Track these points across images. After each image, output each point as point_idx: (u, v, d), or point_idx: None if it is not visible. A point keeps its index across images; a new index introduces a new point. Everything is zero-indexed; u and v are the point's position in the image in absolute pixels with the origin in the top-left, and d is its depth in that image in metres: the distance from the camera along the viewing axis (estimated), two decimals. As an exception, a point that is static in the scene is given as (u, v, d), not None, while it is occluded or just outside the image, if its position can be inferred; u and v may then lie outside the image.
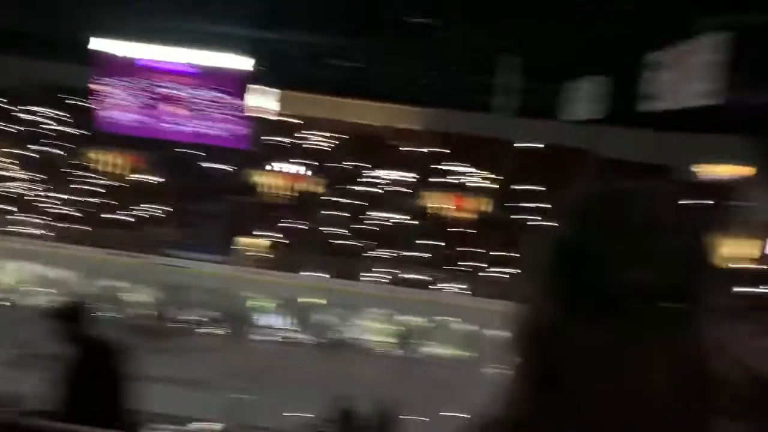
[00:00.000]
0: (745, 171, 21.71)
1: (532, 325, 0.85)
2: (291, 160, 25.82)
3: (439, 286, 22.90)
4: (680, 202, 0.86)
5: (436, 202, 25.37)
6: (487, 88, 21.56)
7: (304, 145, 26.25)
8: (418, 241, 23.98)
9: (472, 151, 24.94)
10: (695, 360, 0.80)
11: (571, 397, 0.80)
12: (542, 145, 24.61)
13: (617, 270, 0.78)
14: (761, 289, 19.12)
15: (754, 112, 15.48)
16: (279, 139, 26.08)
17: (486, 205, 24.98)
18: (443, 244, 24.01)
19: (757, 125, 17.65)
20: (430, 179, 25.52)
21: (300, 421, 12.58)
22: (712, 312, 0.82)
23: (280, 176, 25.80)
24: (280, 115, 25.58)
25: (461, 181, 25.48)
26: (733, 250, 21.82)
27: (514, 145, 24.86)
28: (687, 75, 11.41)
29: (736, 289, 19.40)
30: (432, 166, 25.68)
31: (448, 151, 25.59)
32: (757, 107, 14.47)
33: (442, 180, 25.51)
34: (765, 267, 20.21)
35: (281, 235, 24.20)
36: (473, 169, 25.39)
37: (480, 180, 25.34)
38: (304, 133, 26.28)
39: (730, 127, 18.80)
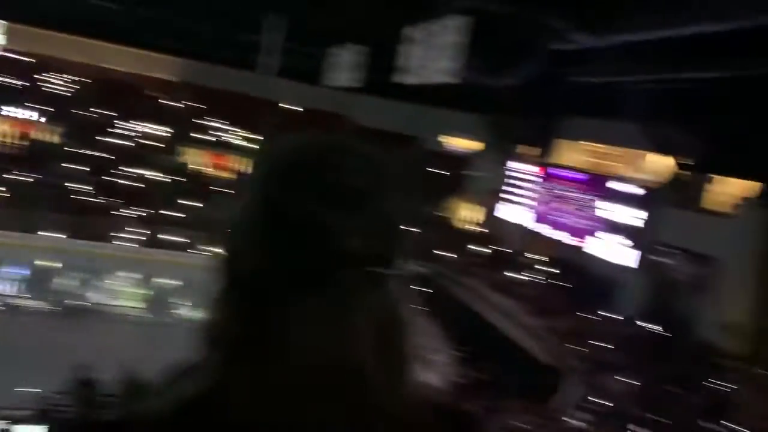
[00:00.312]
0: (477, 145, 24.41)
1: (236, 287, 0.82)
2: (24, 104, 22.59)
3: (196, 246, 22.12)
4: (392, 168, 0.87)
5: (193, 160, 24.32)
6: (251, 46, 21.01)
7: (41, 88, 23.12)
8: (173, 200, 22.81)
9: (232, 109, 24.31)
10: (396, 318, 0.84)
11: (274, 360, 0.78)
12: (302, 108, 24.91)
13: (327, 236, 0.77)
14: (485, 249, 21.87)
15: (486, 93, 17.40)
16: (8, 79, 22.61)
17: (246, 166, 24.65)
18: (201, 204, 23.18)
19: (488, 105, 19.92)
20: (188, 135, 24.34)
21: (31, 397, 11.36)
22: (409, 274, 0.86)
23: (9, 122, 22.43)
24: (10, 51, 22.12)
25: (221, 138, 24.74)
26: (464, 214, 24.60)
27: (276, 105, 24.78)
28: (433, 52, 12.34)
29: (465, 247, 21.91)
30: (190, 121, 24.49)
31: (208, 106, 24.60)
32: (489, 89, 16.25)
33: (201, 137, 24.49)
34: (487, 230, 23.01)
35: (8, 190, 21.15)
36: (233, 128, 24.80)
37: (240, 139, 24.86)
38: (42, 75, 23.14)
39: (467, 105, 20.93)
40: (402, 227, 0.85)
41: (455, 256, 21.30)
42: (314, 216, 0.77)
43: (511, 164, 21.47)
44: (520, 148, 21.51)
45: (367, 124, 23.13)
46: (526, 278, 19.48)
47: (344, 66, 18.96)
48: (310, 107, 24.32)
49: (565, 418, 13.47)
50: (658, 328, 14.73)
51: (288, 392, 0.77)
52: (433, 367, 16.07)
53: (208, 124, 24.62)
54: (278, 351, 0.78)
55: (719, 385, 12.26)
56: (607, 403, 13.34)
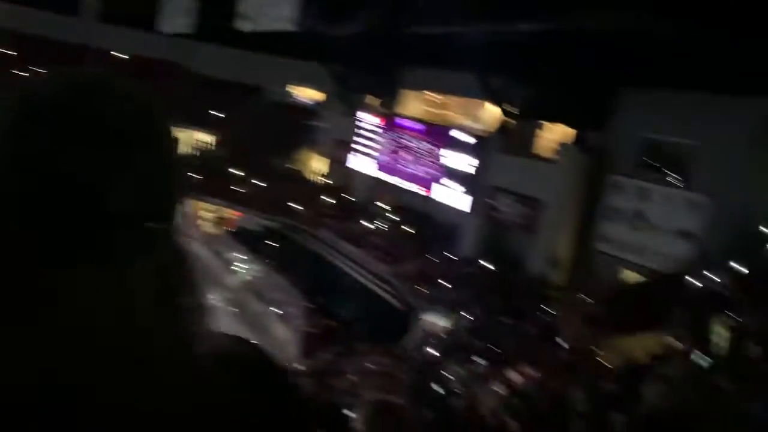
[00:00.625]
0: (321, 95, 24.30)
1: None
2: None
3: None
4: (159, 109, 0.77)
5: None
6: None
7: None
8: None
9: (51, 57, 22.05)
10: (177, 272, 0.78)
11: (28, 325, 0.69)
12: (131, 55, 23.13)
13: (89, 192, 0.67)
14: (333, 200, 22.06)
15: (328, 42, 17.28)
16: None
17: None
18: None
19: (331, 54, 19.80)
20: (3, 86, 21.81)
21: None
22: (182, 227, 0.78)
23: None
24: None
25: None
26: (312, 166, 24.61)
27: (105, 54, 22.84)
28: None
29: (314, 199, 21.99)
30: (6, 71, 21.93)
31: (25, 55, 22.15)
32: (330, 37, 16.16)
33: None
34: (335, 181, 23.18)
35: None
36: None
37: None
38: None
39: (311, 54, 20.67)
40: (176, 175, 0.77)
41: (305, 208, 21.33)
42: (70, 170, 0.66)
43: (356, 114, 21.65)
44: (365, 99, 21.73)
45: (207, 74, 22.15)
46: (375, 227, 20.03)
47: (178, 11, 17.89)
48: (143, 55, 22.68)
49: (414, 356, 14.24)
50: (494, 266, 15.91)
51: (48, 357, 0.68)
52: (285, 319, 16.19)
53: (25, 74, 22.19)
54: (36, 316, 0.69)
55: (547, 312, 13.58)
56: (451, 338, 14.28)
